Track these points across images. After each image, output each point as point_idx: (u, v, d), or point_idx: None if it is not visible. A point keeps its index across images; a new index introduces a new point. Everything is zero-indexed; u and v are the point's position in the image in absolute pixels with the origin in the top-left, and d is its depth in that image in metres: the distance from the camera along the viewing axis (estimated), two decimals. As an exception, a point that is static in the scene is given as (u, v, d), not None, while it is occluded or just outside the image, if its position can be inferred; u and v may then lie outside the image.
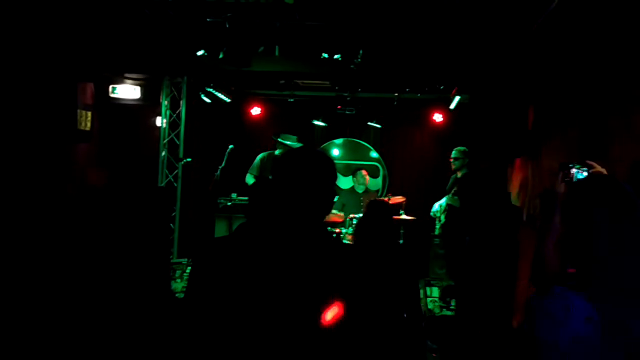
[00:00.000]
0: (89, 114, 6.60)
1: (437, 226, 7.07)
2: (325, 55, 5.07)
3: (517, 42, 5.27)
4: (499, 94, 6.34)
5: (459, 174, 6.60)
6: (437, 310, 5.84)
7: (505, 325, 3.62)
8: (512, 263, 3.57)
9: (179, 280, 6.58)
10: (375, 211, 3.35)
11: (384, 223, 3.28)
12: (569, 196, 2.16)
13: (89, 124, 6.59)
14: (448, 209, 6.73)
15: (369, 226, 3.29)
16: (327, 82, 7.63)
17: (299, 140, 7.53)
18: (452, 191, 6.64)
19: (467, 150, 6.61)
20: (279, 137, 7.29)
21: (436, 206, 6.98)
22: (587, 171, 2.19)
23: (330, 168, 1.73)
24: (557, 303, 1.54)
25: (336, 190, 1.80)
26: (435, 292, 6.38)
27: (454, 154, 6.60)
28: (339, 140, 9.16)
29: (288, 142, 7.15)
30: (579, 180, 2.18)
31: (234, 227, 8.11)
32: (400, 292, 3.17)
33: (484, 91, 6.29)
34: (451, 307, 5.81)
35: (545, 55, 5.20)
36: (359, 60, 5.05)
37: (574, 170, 2.20)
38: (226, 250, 1.83)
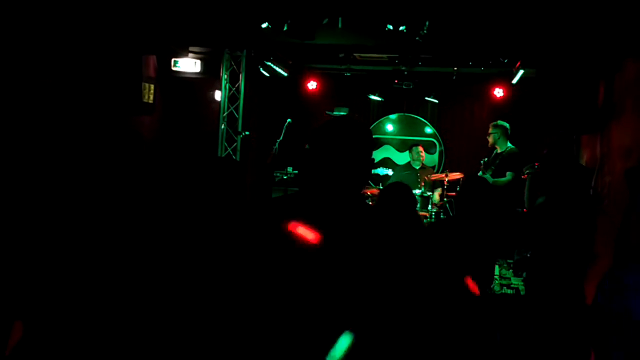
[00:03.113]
0: (152, 86, 6.74)
1: None
2: (390, 27, 4.97)
3: (589, 11, 5.04)
4: (567, 67, 6.09)
5: (498, 149, 6.54)
6: (497, 289, 5.75)
7: (577, 303, 3.55)
8: (588, 242, 3.48)
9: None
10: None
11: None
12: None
13: (151, 97, 6.74)
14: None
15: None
16: (385, 56, 7.51)
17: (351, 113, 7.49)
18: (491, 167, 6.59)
19: (502, 124, 6.52)
20: (333, 111, 7.31)
21: None
22: None
23: (366, 136, 1.70)
24: (632, 276, 1.50)
25: (373, 160, 1.75)
26: (495, 270, 6.27)
27: (490, 129, 6.56)
28: (394, 116, 9.04)
29: (342, 114, 7.14)
30: None
31: (290, 200, 8.21)
32: (475, 269, 3.14)
33: (551, 65, 6.04)
34: (516, 283, 5.73)
35: (619, 25, 4.94)
36: (425, 32, 4.93)
37: None
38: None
